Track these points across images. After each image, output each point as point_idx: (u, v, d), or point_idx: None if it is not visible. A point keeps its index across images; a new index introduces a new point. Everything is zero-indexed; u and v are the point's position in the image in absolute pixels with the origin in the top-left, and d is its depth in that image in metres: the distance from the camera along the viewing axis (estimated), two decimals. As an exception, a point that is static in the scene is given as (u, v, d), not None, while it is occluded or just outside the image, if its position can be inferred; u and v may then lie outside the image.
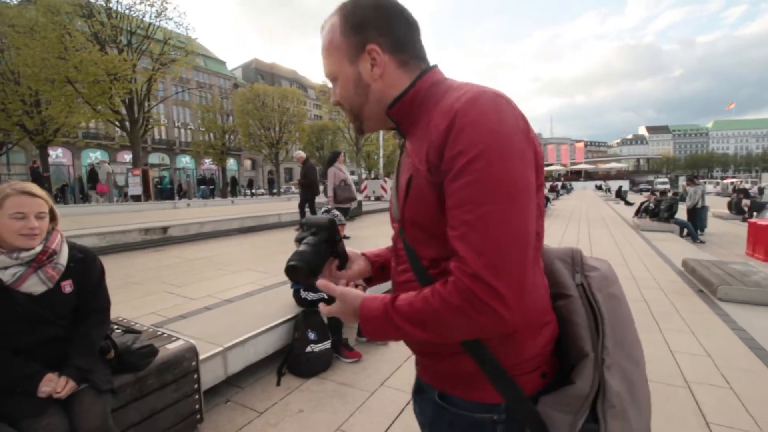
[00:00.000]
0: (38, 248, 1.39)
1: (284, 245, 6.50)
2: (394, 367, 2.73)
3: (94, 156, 31.48)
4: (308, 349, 2.67)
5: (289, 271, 0.75)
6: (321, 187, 9.39)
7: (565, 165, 66.45)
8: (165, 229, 6.39)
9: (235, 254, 5.80)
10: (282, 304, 3.14)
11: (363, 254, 0.95)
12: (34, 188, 1.43)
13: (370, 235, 7.67)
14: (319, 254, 0.79)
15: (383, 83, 0.73)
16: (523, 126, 0.61)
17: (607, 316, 0.69)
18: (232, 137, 33.53)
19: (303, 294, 2.97)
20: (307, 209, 7.76)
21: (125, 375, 1.70)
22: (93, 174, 15.56)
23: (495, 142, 0.58)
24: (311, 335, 2.74)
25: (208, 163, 38.09)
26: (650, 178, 53.45)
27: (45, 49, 13.42)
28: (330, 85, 0.81)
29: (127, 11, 15.92)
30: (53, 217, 1.49)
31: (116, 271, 4.33)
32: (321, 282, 0.74)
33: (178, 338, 2.09)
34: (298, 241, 0.82)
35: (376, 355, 2.91)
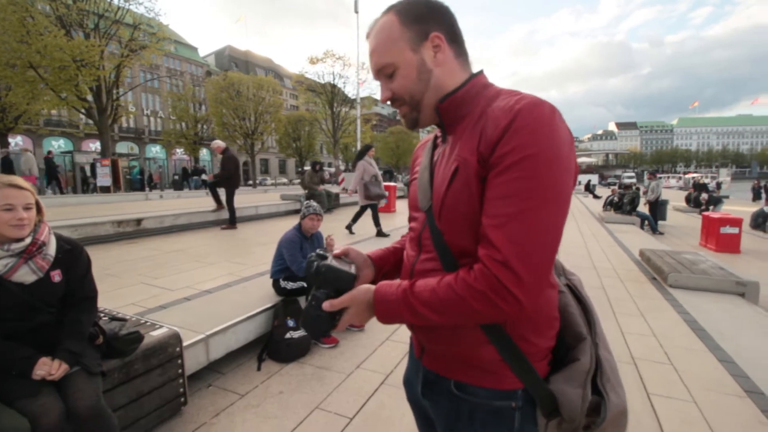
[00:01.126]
0: (28, 240, 1.46)
1: (262, 236, 6.53)
2: (369, 351, 2.89)
3: (57, 145, 30.01)
4: (287, 335, 2.80)
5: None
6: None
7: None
8: (139, 221, 6.30)
9: (212, 246, 5.80)
10: (262, 294, 3.24)
11: (369, 257, 0.93)
12: (20, 181, 1.49)
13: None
14: (328, 318, 0.74)
15: (443, 70, 0.76)
16: (570, 140, 0.66)
17: (591, 308, 0.80)
18: (205, 127, 32.64)
19: (283, 284, 3.08)
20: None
21: (113, 360, 1.79)
22: (6, 164, 12.49)
23: (548, 148, 0.62)
24: (290, 323, 2.86)
25: (179, 153, 37.00)
26: (618, 172, 55.64)
27: (5, 31, 12.66)
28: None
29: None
30: (39, 210, 1.55)
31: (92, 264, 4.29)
32: (326, 305, 0.74)
33: (162, 326, 2.18)
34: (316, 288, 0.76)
35: (352, 341, 3.07)
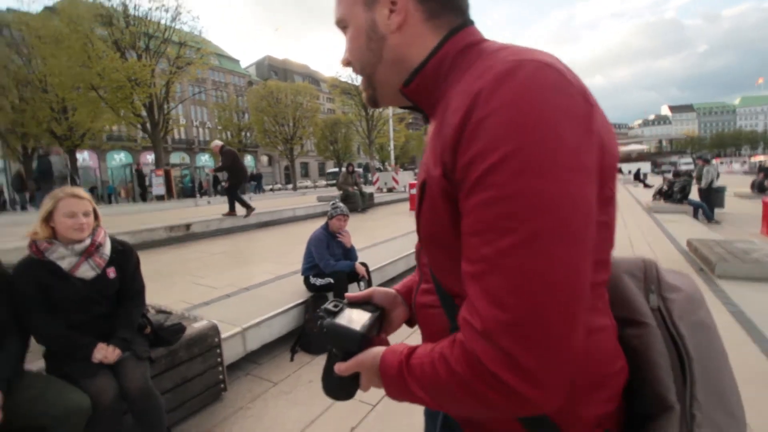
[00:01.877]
0: (87, 241, 1.71)
1: (297, 237, 6.84)
2: (395, 342, 2.99)
3: (118, 158, 32.72)
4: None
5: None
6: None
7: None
8: (188, 226, 6.82)
9: (252, 248, 6.17)
10: (294, 290, 3.44)
11: (397, 292, 0.76)
12: (81, 192, 1.74)
13: (382, 225, 7.93)
14: (348, 380, 0.62)
15: (402, 38, 0.56)
16: (582, 111, 0.42)
17: (695, 354, 0.52)
18: (248, 134, 34.27)
19: (312, 280, 3.26)
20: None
21: (160, 348, 2.02)
22: (45, 167, 8.74)
23: (531, 141, 0.39)
24: (320, 317, 3.03)
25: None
26: (674, 159, 51.74)
27: (70, 58, 14.15)
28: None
29: (144, 16, 16.49)
30: (96, 216, 1.80)
31: (146, 266, 4.64)
32: (336, 368, 0.60)
33: (202, 319, 2.41)
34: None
35: (380, 335, 3.18)
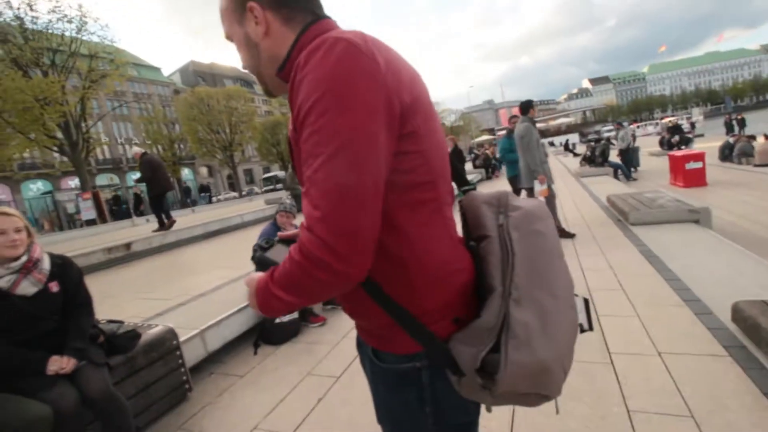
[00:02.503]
0: (24, 258, 1.69)
1: (248, 242, 6.75)
2: (353, 324, 3.16)
3: (35, 187, 29.67)
4: (277, 320, 3.06)
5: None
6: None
7: (504, 128, 69.05)
8: (128, 245, 6.48)
9: (202, 257, 6.03)
10: (250, 288, 3.49)
11: None
12: (8, 209, 1.71)
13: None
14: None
15: (271, 41, 0.71)
16: (368, 68, 0.57)
17: (520, 250, 0.69)
18: (181, 146, 32.45)
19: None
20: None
21: (117, 356, 2.03)
22: None
23: (328, 90, 0.55)
24: (278, 308, 3.12)
25: (161, 176, 36.72)
26: (597, 127, 56.30)
27: (-41, 80, 12.57)
28: None
29: (44, 30, 15.00)
30: (29, 233, 1.77)
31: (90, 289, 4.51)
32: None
33: (157, 325, 2.42)
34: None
35: (338, 318, 3.34)
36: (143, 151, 7.40)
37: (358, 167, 0.55)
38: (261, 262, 0.75)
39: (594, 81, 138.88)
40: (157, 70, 46.12)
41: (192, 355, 2.59)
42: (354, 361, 2.54)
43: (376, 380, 0.80)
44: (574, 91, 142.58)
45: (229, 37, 0.76)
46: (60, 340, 1.77)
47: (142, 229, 8.36)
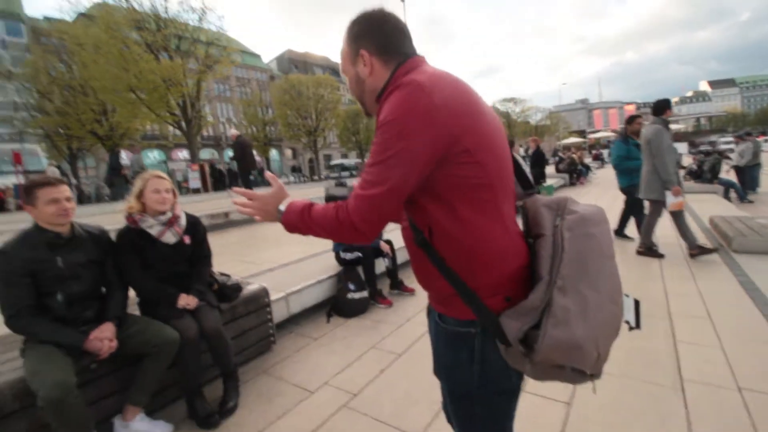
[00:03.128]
0: (169, 213, 2.15)
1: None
2: (417, 310, 3.36)
3: (152, 156, 34.37)
4: (349, 296, 3.37)
5: None
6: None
7: (615, 131, 62.66)
8: (227, 214, 7.42)
9: (285, 232, 6.67)
10: (328, 265, 3.86)
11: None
12: (163, 174, 2.18)
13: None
14: None
15: (373, 78, 0.94)
16: (423, 111, 0.77)
17: (569, 248, 0.81)
18: (272, 128, 35.14)
19: (342, 255, 3.66)
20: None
21: (224, 303, 2.47)
22: (114, 164, 12.46)
23: (394, 118, 0.78)
24: (351, 286, 3.43)
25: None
26: (713, 138, 49.07)
27: (108, 62, 15.09)
28: None
29: (173, 18, 17.27)
30: (174, 194, 2.24)
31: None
32: (238, 189, 1.09)
33: (254, 283, 2.85)
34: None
35: (404, 302, 3.56)
36: (238, 133, 8.43)
37: (389, 179, 0.79)
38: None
39: (714, 84, 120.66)
40: (257, 57, 50.15)
41: (277, 314, 3.00)
42: (414, 343, 2.74)
43: (438, 338, 0.97)
44: (689, 94, 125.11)
45: (344, 72, 1.01)
46: (187, 282, 2.23)
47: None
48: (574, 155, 14.42)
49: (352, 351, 2.72)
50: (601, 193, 10.75)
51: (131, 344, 1.92)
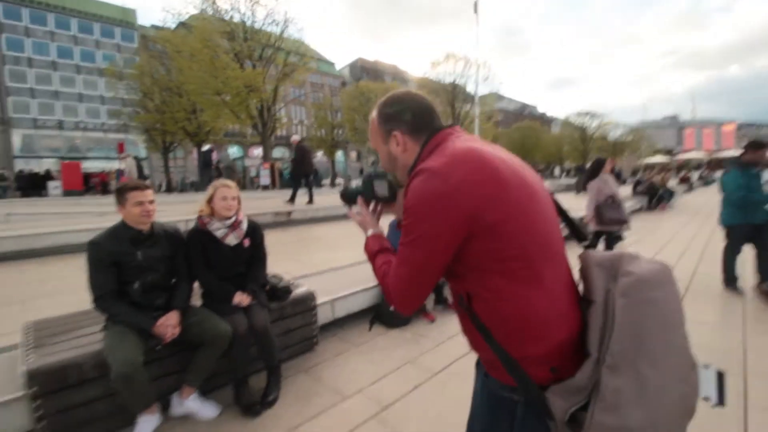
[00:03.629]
0: (233, 218, 2.38)
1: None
2: (458, 328, 3.32)
3: (231, 151, 37.46)
4: (392, 307, 3.43)
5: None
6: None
7: (708, 151, 56.02)
8: (289, 213, 7.90)
9: (340, 235, 6.93)
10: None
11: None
12: (231, 183, 2.43)
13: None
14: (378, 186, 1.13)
15: (405, 155, 0.99)
16: (435, 199, 0.79)
17: (622, 319, 0.74)
18: (340, 132, 36.52)
19: (390, 265, 3.74)
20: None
21: (273, 303, 2.66)
22: (207, 159, 16.76)
23: (413, 205, 0.82)
24: (395, 297, 3.50)
25: (319, 155, 42.15)
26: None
27: (201, 68, 16.85)
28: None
29: (259, 29, 18.80)
30: (239, 201, 2.47)
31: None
32: (360, 201, 1.16)
33: (303, 286, 3.04)
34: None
35: (447, 319, 3.55)
36: (299, 139, 9.13)
37: (414, 260, 0.84)
38: (366, 185, 1.15)
39: None
40: (331, 64, 52.53)
41: (322, 316, 3.15)
42: (452, 363, 2.73)
43: (481, 394, 0.97)
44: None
45: (374, 147, 1.07)
46: (243, 282, 2.45)
47: (298, 200, 9.96)
48: (656, 178, 13.15)
49: (390, 362, 2.78)
50: (685, 223, 9.71)
51: (191, 332, 2.15)
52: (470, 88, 31.73)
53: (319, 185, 27.68)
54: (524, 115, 67.67)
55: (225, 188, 2.37)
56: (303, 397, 2.38)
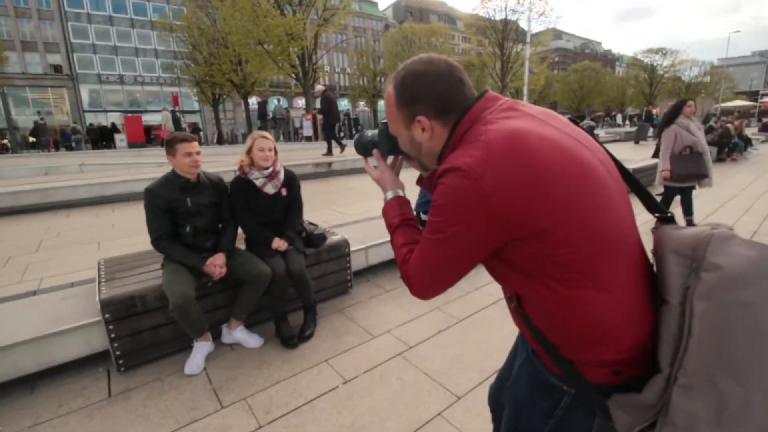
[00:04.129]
0: (270, 169, 2.52)
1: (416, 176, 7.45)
2: (489, 280, 3.36)
3: (276, 103, 37.90)
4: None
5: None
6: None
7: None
8: (329, 164, 8.08)
9: (377, 186, 7.04)
10: (409, 223, 4.06)
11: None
12: (268, 134, 2.55)
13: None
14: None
15: (431, 141, 0.85)
16: (463, 202, 0.69)
17: (702, 327, 0.59)
18: (382, 79, 35.48)
19: (423, 217, 3.80)
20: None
21: (310, 249, 2.85)
22: (261, 110, 18.21)
23: (441, 204, 0.73)
24: (427, 247, 3.59)
25: (362, 105, 41.54)
26: None
27: (243, 17, 16.70)
28: None
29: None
30: (275, 152, 2.59)
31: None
32: (375, 153, 1.07)
33: (338, 234, 3.20)
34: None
35: (477, 272, 3.58)
36: (324, 88, 8.96)
37: (438, 257, 0.76)
38: (383, 134, 1.03)
39: None
40: (374, 4, 49.81)
41: (356, 262, 3.34)
42: (477, 312, 2.83)
43: (523, 371, 0.89)
44: None
45: (393, 131, 0.93)
46: (281, 228, 2.64)
47: (336, 151, 10.10)
48: (730, 124, 11.73)
49: (418, 308, 2.94)
50: (756, 177, 8.74)
51: (236, 272, 2.40)
52: (524, 24, 29.01)
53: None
54: (585, 54, 61.35)
55: (262, 139, 2.49)
56: (336, 334, 2.62)
